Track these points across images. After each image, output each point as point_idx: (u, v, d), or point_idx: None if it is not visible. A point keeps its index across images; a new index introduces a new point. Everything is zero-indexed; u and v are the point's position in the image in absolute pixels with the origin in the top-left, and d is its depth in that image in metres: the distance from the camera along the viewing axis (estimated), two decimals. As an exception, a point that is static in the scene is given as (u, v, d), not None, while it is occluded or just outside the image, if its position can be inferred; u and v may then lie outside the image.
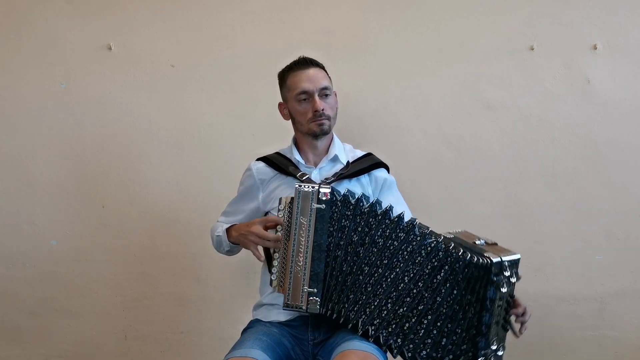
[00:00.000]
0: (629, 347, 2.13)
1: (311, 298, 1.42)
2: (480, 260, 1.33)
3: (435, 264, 1.36)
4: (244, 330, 1.60)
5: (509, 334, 1.41)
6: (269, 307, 1.60)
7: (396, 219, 1.40)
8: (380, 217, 1.41)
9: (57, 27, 2.16)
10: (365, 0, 2.12)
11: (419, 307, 1.37)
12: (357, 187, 1.62)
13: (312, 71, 1.60)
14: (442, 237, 1.40)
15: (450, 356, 1.39)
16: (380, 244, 1.40)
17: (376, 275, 1.40)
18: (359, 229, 1.42)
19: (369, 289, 1.41)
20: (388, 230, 1.40)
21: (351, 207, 1.42)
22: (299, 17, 2.12)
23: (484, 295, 1.35)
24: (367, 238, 1.42)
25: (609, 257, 2.11)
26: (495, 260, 1.34)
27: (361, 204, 1.42)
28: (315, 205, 1.42)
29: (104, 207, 2.20)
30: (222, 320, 2.20)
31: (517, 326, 1.40)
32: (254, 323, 1.61)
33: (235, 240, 1.63)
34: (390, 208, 1.42)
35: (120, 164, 2.18)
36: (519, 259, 1.37)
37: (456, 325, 1.37)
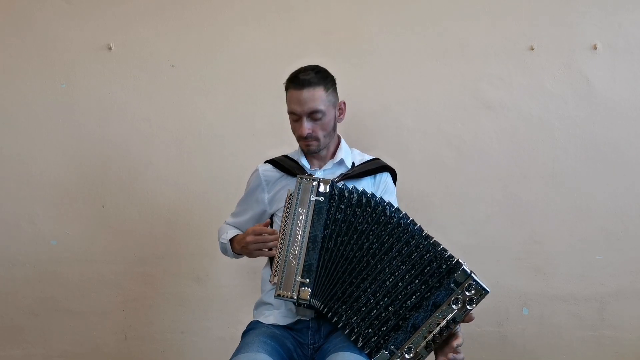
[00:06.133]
0: (629, 347, 2.13)
1: (303, 288, 1.41)
2: (450, 256, 1.32)
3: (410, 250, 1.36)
4: (245, 333, 1.58)
5: None
6: (269, 306, 1.60)
7: (379, 208, 1.40)
8: (365, 206, 1.41)
9: (57, 27, 2.16)
10: (365, 0, 2.12)
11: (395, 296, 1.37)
12: (361, 187, 1.61)
13: (305, 93, 1.53)
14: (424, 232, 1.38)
15: (373, 334, 1.35)
16: (365, 231, 1.40)
17: (362, 267, 1.40)
18: (348, 219, 1.42)
19: (354, 281, 1.40)
20: (369, 218, 1.40)
21: (344, 199, 1.43)
22: (299, 17, 2.12)
23: (430, 293, 1.32)
24: (353, 228, 1.41)
25: (609, 257, 2.11)
26: (464, 265, 1.31)
27: (351, 196, 1.43)
28: (314, 198, 1.44)
29: (104, 207, 2.20)
30: (222, 320, 2.20)
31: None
32: (255, 324, 1.59)
33: (239, 252, 1.65)
34: (374, 196, 1.42)
35: (120, 164, 2.18)
36: (485, 291, 1.30)
37: (397, 304, 1.34)
